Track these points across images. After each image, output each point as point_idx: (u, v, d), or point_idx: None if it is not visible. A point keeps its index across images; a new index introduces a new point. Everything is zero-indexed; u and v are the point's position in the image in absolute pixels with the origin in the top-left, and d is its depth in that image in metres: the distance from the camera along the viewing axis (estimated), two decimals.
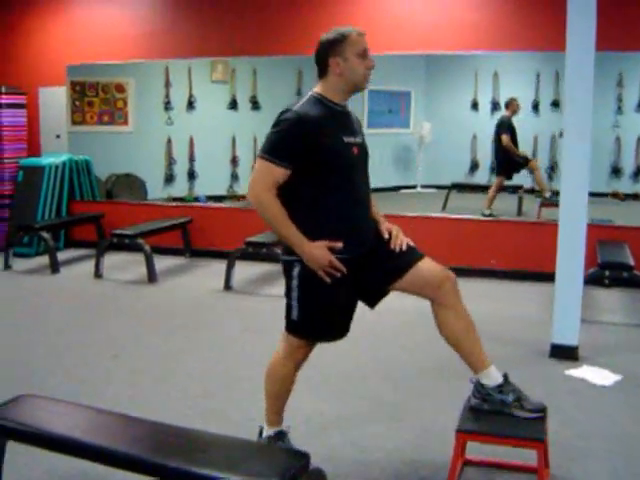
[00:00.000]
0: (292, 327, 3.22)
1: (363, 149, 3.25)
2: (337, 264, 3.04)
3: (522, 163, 9.21)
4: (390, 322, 5.84)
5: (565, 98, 5.00)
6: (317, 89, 3.19)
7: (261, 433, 3.41)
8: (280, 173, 3.03)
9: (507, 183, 9.33)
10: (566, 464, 3.52)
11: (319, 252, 3.03)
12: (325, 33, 3.18)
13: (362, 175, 3.24)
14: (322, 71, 3.18)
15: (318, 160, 3.05)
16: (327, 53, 3.13)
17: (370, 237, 3.23)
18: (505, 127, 9.06)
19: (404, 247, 3.21)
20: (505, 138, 8.99)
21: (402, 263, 3.17)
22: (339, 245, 3.06)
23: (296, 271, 3.13)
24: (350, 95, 3.22)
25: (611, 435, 3.88)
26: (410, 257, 3.18)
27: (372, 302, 3.31)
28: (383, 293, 3.27)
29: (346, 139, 3.14)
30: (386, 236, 3.24)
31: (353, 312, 3.30)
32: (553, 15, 6.96)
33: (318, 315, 3.18)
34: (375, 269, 3.21)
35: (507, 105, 9.21)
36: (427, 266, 3.17)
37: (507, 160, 9.16)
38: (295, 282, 3.15)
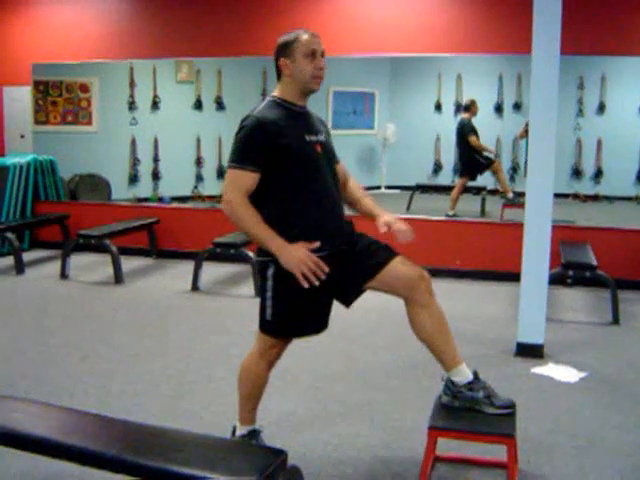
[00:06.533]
0: (266, 326, 3.24)
1: (328, 147, 3.29)
2: (322, 264, 3.03)
3: (486, 165, 9.32)
4: (359, 322, 5.88)
5: (531, 100, 5.06)
6: (275, 92, 3.24)
7: (234, 432, 3.44)
8: (249, 178, 3.06)
9: (471, 184, 9.43)
10: (534, 460, 3.60)
11: (300, 253, 3.02)
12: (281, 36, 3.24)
13: (328, 172, 3.25)
14: (278, 74, 3.23)
15: (282, 160, 3.08)
16: (278, 55, 3.19)
17: (344, 232, 3.26)
18: (469, 129, 9.16)
19: (403, 232, 3.25)
20: (474, 139, 9.09)
21: (376, 262, 3.20)
22: (316, 245, 3.08)
23: (270, 271, 3.15)
24: (304, 96, 3.23)
25: (577, 431, 3.96)
26: (385, 256, 3.21)
27: (347, 301, 3.33)
28: (358, 292, 3.28)
29: (308, 138, 3.17)
30: (383, 230, 3.25)
31: (330, 308, 3.32)
32: (517, 18, 7.07)
33: (292, 314, 3.20)
34: (350, 268, 3.23)
35: (467, 107, 9.29)
36: (401, 266, 3.19)
37: (472, 161, 9.27)
38: (270, 283, 3.17)
